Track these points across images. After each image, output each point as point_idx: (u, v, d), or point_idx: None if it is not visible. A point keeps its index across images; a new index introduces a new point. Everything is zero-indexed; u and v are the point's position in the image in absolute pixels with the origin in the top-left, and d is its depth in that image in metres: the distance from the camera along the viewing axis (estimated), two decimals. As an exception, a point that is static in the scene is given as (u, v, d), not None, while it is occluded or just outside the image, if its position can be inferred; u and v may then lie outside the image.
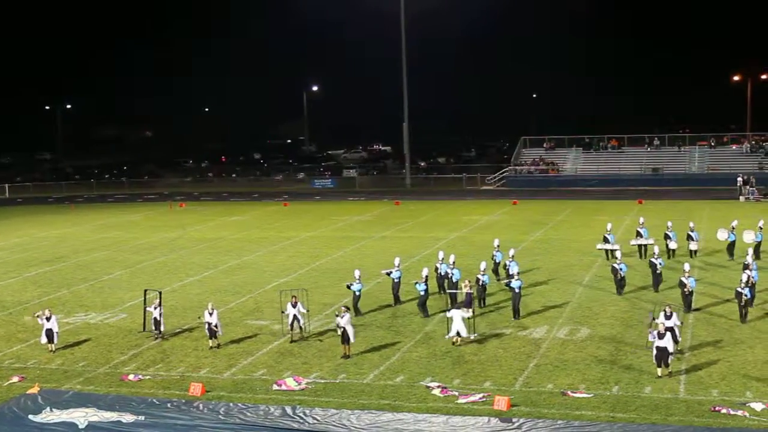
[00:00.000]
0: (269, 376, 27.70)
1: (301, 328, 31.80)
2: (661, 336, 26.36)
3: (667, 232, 45.69)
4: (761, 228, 45.31)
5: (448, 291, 34.69)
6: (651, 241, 45.63)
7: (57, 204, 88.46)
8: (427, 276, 35.01)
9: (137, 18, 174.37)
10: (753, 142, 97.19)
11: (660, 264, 37.54)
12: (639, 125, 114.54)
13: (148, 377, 27.94)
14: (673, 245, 45.20)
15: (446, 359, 28.95)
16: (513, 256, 39.02)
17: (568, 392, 25.31)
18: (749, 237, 45.05)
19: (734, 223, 46.17)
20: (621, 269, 37.09)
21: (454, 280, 35.42)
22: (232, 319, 34.28)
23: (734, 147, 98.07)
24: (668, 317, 27.98)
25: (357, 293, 34.33)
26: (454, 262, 37.12)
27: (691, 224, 46.21)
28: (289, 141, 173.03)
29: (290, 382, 26.80)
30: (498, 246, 41.48)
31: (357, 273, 35.07)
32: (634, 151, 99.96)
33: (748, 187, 76.87)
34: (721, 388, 25.36)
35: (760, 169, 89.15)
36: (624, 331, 31.66)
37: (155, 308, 32.31)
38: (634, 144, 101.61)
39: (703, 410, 23.65)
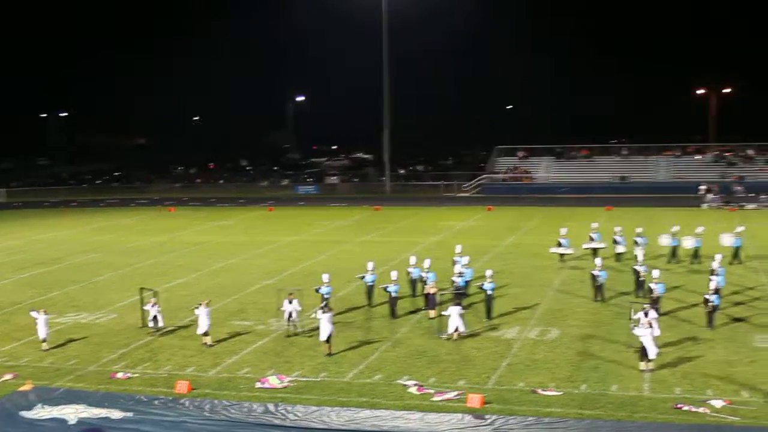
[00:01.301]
0: (253, 374, 27.62)
1: (294, 324, 32.05)
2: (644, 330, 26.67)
3: (615, 237, 46.10)
4: (700, 234, 45.71)
5: (453, 292, 34.64)
6: (603, 245, 46.06)
7: (52, 208, 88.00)
8: (396, 278, 35.03)
9: (131, 30, 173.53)
10: (716, 153, 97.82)
11: (644, 270, 36.93)
12: (609, 135, 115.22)
13: (136, 375, 27.83)
14: (620, 249, 45.64)
15: (422, 359, 28.93)
16: (466, 264, 38.78)
17: (539, 390, 25.35)
18: (689, 242, 45.45)
19: (675, 229, 46.57)
20: (600, 276, 36.84)
21: (429, 284, 35.36)
22: (217, 320, 34.06)
23: (698, 157, 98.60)
24: (647, 314, 28.19)
25: (325, 296, 34.27)
26: (429, 267, 37.03)
27: (638, 230, 46.41)
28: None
29: (273, 380, 26.74)
30: (460, 252, 41.24)
31: (325, 277, 35.11)
32: (603, 160, 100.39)
33: (710, 195, 77.29)
34: (683, 386, 25.45)
35: (722, 178, 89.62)
36: (592, 333, 31.73)
37: (152, 306, 32.36)
38: (603, 153, 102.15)
39: (666, 407, 23.74)
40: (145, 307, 33.02)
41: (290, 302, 31.95)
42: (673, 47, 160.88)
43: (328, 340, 29.40)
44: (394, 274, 35.35)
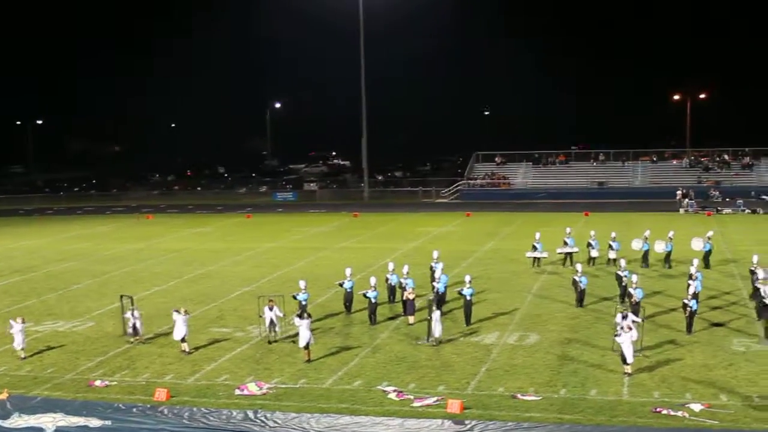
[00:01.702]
0: (232, 381, 27.53)
1: (275, 331, 32.09)
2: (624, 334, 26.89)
3: (589, 241, 46.49)
4: (671, 238, 46.02)
5: (434, 299, 34.65)
6: (576, 250, 46.53)
7: (27, 216, 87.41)
8: (375, 284, 35.06)
9: (108, 35, 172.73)
10: (692, 158, 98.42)
11: (626, 276, 36.71)
12: (585, 141, 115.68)
13: (114, 383, 27.67)
14: (594, 253, 46.12)
15: (402, 364, 28.93)
16: (442, 269, 38.68)
17: (518, 395, 25.38)
18: (660, 247, 45.70)
19: (647, 233, 46.88)
20: (581, 282, 36.63)
21: (407, 290, 35.31)
22: (196, 327, 33.96)
23: (675, 162, 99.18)
24: (624, 317, 28.31)
25: (303, 302, 34.19)
26: (407, 272, 37.02)
27: (613, 234, 46.78)
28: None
29: (252, 387, 26.66)
30: (437, 258, 41.28)
31: (302, 283, 35.01)
32: (580, 165, 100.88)
33: (687, 200, 77.76)
34: (662, 390, 25.57)
35: (699, 182, 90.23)
36: (571, 337, 31.81)
37: (131, 313, 32.24)
38: (580, 159, 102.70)
39: (645, 411, 23.83)
40: (126, 315, 32.86)
41: (271, 309, 31.95)
42: (648, 52, 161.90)
43: (306, 347, 29.38)
44: (372, 280, 35.35)
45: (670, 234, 46.67)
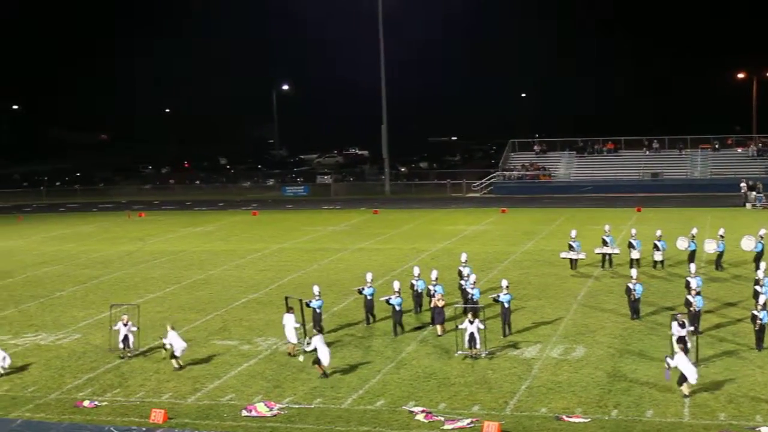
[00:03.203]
0: (238, 400, 27.60)
1: (300, 342, 32.19)
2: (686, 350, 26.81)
3: (630, 240, 46.07)
4: (722, 237, 45.75)
5: (464, 306, 34.60)
6: (617, 251, 46.59)
7: (3, 214, 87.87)
8: (399, 290, 35.02)
9: (88, 15, 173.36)
10: (760, 145, 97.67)
11: (698, 283, 35.50)
12: (637, 127, 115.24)
13: (104, 403, 27.78)
14: (635, 254, 45.42)
15: (430, 381, 28.94)
16: (475, 280, 38.39)
17: (564, 417, 25.33)
18: (710, 247, 45.34)
19: (694, 231, 46.71)
20: (636, 290, 36.11)
21: (436, 296, 35.22)
22: (196, 339, 34.12)
23: (739, 150, 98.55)
24: (682, 326, 28.13)
25: (317, 310, 34.19)
26: (436, 278, 36.87)
27: (658, 233, 46.51)
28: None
29: (261, 408, 26.70)
30: (466, 261, 40.92)
31: (316, 289, 35.04)
32: (631, 154, 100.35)
33: (755, 193, 77.07)
34: (728, 411, 25.43)
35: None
36: (623, 350, 31.72)
37: (124, 324, 32.24)
38: (631, 147, 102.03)
39: (709, 436, 23.77)
40: (115, 327, 32.87)
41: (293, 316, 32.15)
42: (707, 24, 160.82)
43: (318, 362, 29.33)
44: (396, 285, 35.34)
45: (721, 232, 46.47)
